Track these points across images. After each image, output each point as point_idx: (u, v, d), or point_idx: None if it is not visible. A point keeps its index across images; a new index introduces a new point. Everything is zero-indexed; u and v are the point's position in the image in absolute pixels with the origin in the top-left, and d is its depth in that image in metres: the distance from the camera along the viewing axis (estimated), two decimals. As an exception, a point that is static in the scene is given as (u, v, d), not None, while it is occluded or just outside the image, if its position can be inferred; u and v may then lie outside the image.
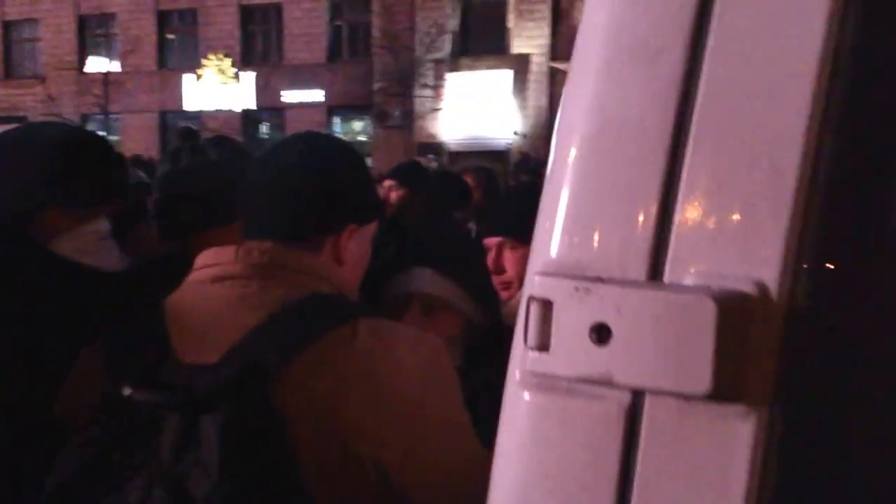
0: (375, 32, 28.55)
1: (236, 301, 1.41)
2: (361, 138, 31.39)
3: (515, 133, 27.96)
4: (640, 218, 0.78)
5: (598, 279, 0.77)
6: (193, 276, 1.50)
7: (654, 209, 0.78)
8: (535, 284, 0.79)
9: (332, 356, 1.33)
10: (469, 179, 5.10)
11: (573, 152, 0.84)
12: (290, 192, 1.50)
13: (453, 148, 28.67)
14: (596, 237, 0.81)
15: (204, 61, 30.49)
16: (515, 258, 2.34)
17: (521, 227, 2.22)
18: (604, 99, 0.81)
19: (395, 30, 27.74)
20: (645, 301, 0.73)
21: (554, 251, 0.84)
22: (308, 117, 30.37)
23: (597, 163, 0.82)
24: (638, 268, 0.77)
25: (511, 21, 28.04)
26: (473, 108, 27.89)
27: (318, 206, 1.51)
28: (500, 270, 2.38)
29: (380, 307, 1.89)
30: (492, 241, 2.42)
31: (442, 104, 28.36)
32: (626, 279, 0.77)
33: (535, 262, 0.86)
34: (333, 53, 30.52)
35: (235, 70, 30.29)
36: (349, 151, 1.65)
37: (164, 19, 32.25)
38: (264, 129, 32.19)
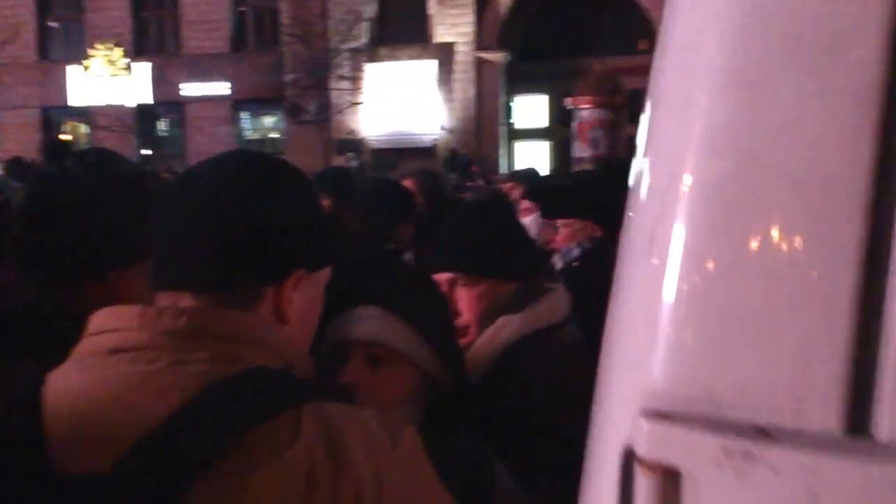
0: (284, 19, 27.98)
1: (140, 382, 1.14)
2: (273, 135, 30.85)
3: (442, 128, 27.83)
4: (830, 332, 0.52)
5: (763, 433, 0.51)
6: (83, 347, 1.23)
7: (851, 316, 0.51)
8: (641, 434, 0.52)
9: (264, 457, 1.09)
10: (410, 185, 4.64)
11: (690, 200, 0.57)
12: (217, 229, 1.25)
13: (375, 145, 28.37)
14: (747, 359, 0.54)
15: (91, 51, 29.33)
16: (471, 298, 2.03)
17: (476, 258, 2.03)
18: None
19: (305, 16, 27.22)
20: (856, 477, 0.47)
21: (663, 372, 0.57)
22: (211, 112, 29.66)
23: (743, 232, 0.55)
24: (827, 415, 0.51)
25: (432, 8, 27.92)
26: (396, 102, 27.67)
27: (255, 248, 1.26)
28: (453, 314, 2.10)
29: (324, 378, 1.63)
30: (440, 278, 2.08)
31: (361, 97, 28.01)
32: (812, 432, 0.50)
33: (624, 385, 0.58)
34: (238, 42, 29.85)
35: (127, 61, 29.25)
36: (295, 176, 1.38)
37: (45, 5, 30.94)
38: (162, 125, 31.36)
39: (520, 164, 29.26)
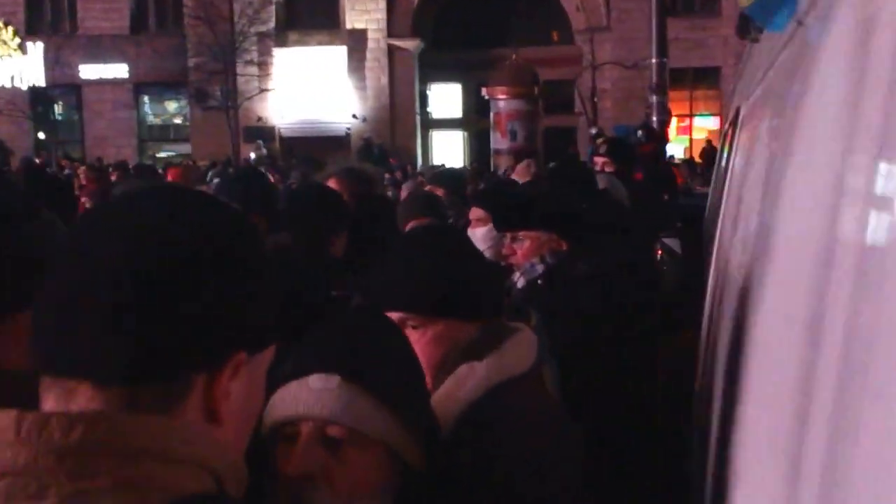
0: (187, 0, 27.00)
1: None
2: (177, 121, 29.90)
3: (355, 116, 27.38)
4: None
5: None
6: None
7: None
8: None
9: None
10: (336, 186, 4.13)
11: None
12: (131, 298, 0.91)
13: (286, 133, 27.78)
14: None
15: (-21, 30, 27.67)
16: (425, 343, 1.71)
17: (430, 295, 1.71)
18: None
19: (210, -2, 26.32)
20: None
21: None
22: (110, 95, 28.63)
23: None
24: None
25: (343, -8, 27.47)
26: (306, 89, 27.13)
27: (182, 325, 0.93)
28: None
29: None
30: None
31: (270, 83, 27.31)
32: None
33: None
34: (138, 23, 28.80)
35: (19, 40, 27.71)
36: (237, 225, 1.03)
37: (-75, -21, 29.00)
38: (58, 109, 30.08)
39: (437, 154, 29.19)
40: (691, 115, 26.62)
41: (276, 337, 1.07)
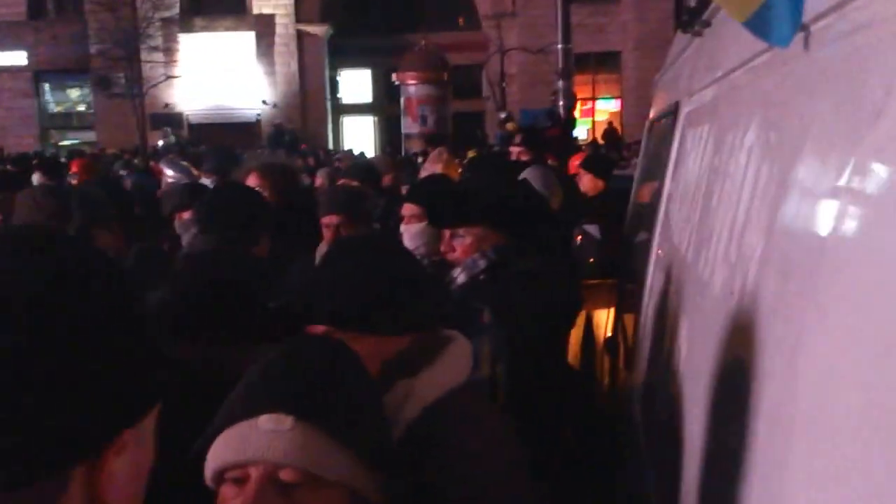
0: (88, -17, 26.19)
1: None
2: (80, 108, 29.00)
3: (265, 102, 27.16)
4: None
5: None
6: None
7: None
8: None
9: None
10: (256, 181, 3.88)
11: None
12: None
13: (194, 120, 27.37)
14: None
15: None
16: None
17: (359, 309, 1.61)
18: None
19: (111, -19, 25.57)
20: None
21: None
22: (9, 83, 27.59)
23: None
24: None
25: (249, -23, 27.14)
26: (214, 75, 26.75)
27: (55, 415, 0.76)
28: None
29: None
30: (314, 330, 1.67)
31: (177, 70, 26.79)
32: None
33: None
34: (36, 9, 27.89)
35: None
36: (106, 281, 0.84)
37: None
38: (-48, 98, 28.64)
39: (348, 139, 29.18)
40: (594, 99, 27.50)
41: (160, 395, 0.89)
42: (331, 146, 26.62)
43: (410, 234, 3.28)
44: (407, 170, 8.14)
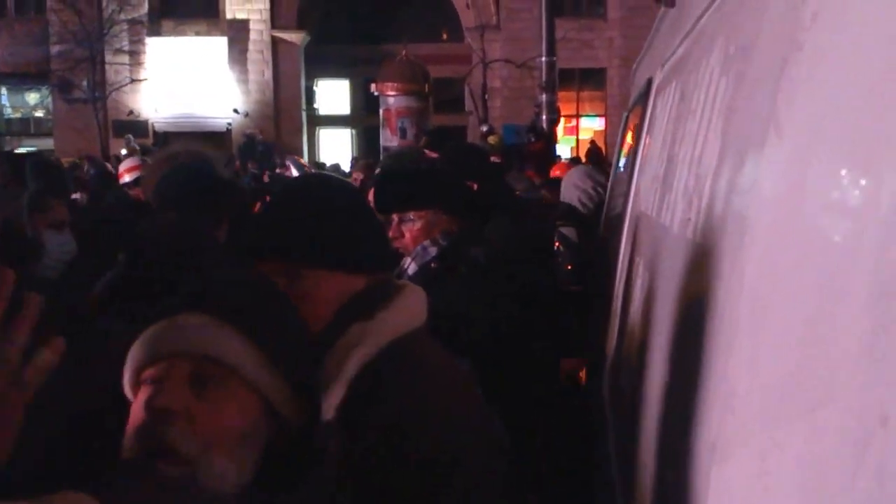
0: (50, -18, 26.14)
1: None
2: (38, 114, 28.83)
3: (236, 111, 27.09)
4: None
5: None
6: None
7: None
8: None
9: None
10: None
11: None
12: None
13: (160, 127, 27.24)
14: None
15: None
16: (309, 298, 1.62)
17: (316, 241, 1.64)
18: None
19: (75, -20, 25.53)
20: None
21: None
22: (-37, 87, 27.26)
23: None
24: None
25: (222, -20, 27.18)
26: (183, 81, 26.65)
27: None
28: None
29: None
30: (266, 266, 1.69)
31: (143, 74, 26.66)
32: None
33: None
34: (-5, 8, 27.54)
35: None
36: None
37: None
38: None
39: (324, 151, 29.15)
40: (578, 116, 27.68)
41: None
42: (306, 158, 26.54)
43: None
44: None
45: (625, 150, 3.65)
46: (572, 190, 5.12)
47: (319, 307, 1.59)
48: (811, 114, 0.77)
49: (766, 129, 0.88)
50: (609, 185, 4.05)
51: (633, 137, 3.33)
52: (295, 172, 5.63)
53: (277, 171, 13.44)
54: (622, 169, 3.65)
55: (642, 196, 1.94)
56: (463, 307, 2.39)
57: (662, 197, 1.47)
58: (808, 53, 0.79)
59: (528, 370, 2.72)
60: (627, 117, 3.64)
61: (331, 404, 1.50)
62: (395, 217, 2.64)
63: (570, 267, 4.43)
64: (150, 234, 2.28)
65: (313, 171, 6.04)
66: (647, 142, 2.19)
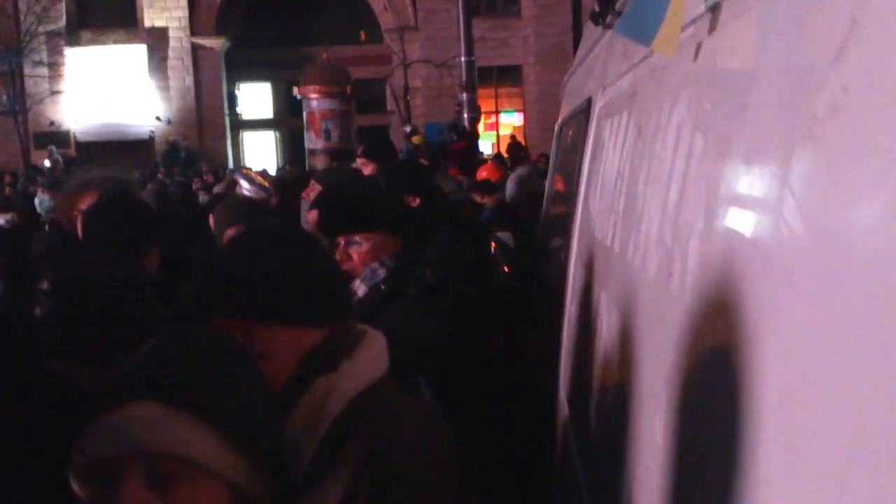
0: (-35, -4, 25.38)
1: None
2: (-44, 128, 27.91)
3: (158, 119, 26.80)
4: None
5: None
6: None
7: None
8: None
9: None
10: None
11: None
12: None
13: (83, 137, 26.79)
14: None
15: None
16: (267, 357, 1.52)
17: (273, 296, 1.55)
18: None
19: (-10, -6, 24.88)
20: None
21: None
22: None
23: None
24: None
25: (139, -11, 26.79)
26: (103, 90, 26.30)
27: None
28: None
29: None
30: (220, 324, 1.57)
31: (63, 85, 26.18)
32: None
33: None
34: None
35: None
36: None
37: None
38: None
39: (248, 155, 28.98)
40: (497, 112, 28.17)
41: None
42: (231, 163, 26.42)
43: None
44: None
45: (558, 161, 3.86)
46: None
47: (278, 363, 1.51)
48: (824, 178, 0.72)
49: (763, 186, 0.86)
50: (546, 192, 4.29)
51: (565, 151, 3.43)
52: (246, 186, 5.63)
53: (215, 184, 13.37)
54: (555, 176, 3.81)
55: (595, 222, 1.98)
56: (415, 327, 2.39)
57: (626, 234, 1.50)
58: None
59: (479, 379, 2.77)
60: (562, 129, 3.68)
61: (300, 462, 1.45)
62: (341, 240, 2.59)
63: (506, 269, 4.57)
64: (81, 270, 2.18)
65: (263, 183, 5.89)
66: (591, 166, 2.24)
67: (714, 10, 1.13)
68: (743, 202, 0.93)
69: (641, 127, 1.53)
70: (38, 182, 9.77)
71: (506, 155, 23.28)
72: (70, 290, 2.06)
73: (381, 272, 2.57)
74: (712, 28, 1.13)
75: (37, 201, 7.10)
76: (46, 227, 6.28)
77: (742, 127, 0.95)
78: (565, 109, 3.77)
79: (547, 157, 19.50)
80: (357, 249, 2.58)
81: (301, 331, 1.54)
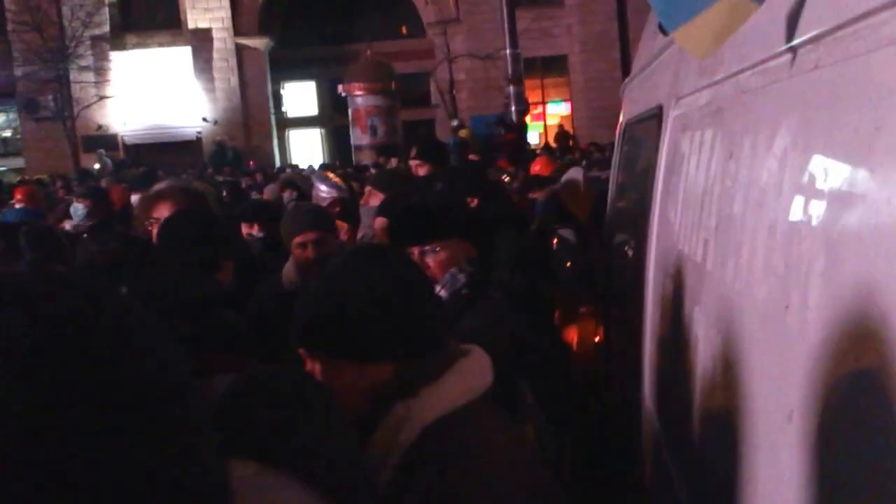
0: (10, 4, 25.74)
1: None
2: (6, 134, 28.49)
3: (205, 119, 26.91)
4: None
5: None
6: None
7: None
8: None
9: None
10: (171, 210, 3.38)
11: None
12: None
13: (131, 140, 27.00)
14: None
15: None
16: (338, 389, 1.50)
17: (333, 334, 1.56)
18: None
19: (36, 1, 25.08)
20: None
21: None
22: (-71, 112, 26.81)
23: None
24: None
25: (182, -9, 26.92)
26: (150, 93, 26.49)
27: None
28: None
29: None
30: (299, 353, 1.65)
31: (109, 90, 26.40)
32: None
33: None
34: (-44, 31, 27.08)
35: None
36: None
37: None
38: None
39: (295, 153, 29.02)
40: (544, 103, 27.76)
41: None
42: (277, 161, 26.45)
43: None
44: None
45: (623, 162, 3.69)
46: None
47: (356, 397, 1.51)
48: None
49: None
50: (610, 191, 4.09)
51: (632, 153, 3.37)
52: (324, 189, 5.40)
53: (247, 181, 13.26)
54: (622, 178, 3.67)
55: (678, 235, 1.92)
56: (508, 331, 2.40)
57: (722, 255, 1.47)
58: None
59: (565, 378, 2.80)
60: (625, 130, 3.66)
61: (376, 489, 1.41)
62: (415, 249, 2.61)
63: (569, 265, 4.50)
64: (156, 288, 2.18)
65: (341, 185, 5.64)
66: (668, 177, 2.22)
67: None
68: (869, 237, 0.86)
69: (733, 150, 1.46)
70: (75, 192, 9.49)
71: (554, 145, 23.00)
72: (148, 305, 1.94)
73: (462, 277, 2.59)
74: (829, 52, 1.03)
75: (72, 210, 6.92)
76: (85, 235, 6.10)
77: (868, 156, 0.88)
78: (631, 111, 3.66)
79: (598, 145, 19.15)
80: (434, 257, 2.61)
81: (380, 366, 1.54)
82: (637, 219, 2.74)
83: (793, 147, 1.15)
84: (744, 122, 1.45)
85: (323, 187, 5.41)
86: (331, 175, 5.95)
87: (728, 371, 1.40)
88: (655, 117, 2.54)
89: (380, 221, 3.37)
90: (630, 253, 3.02)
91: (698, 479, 1.64)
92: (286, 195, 6.83)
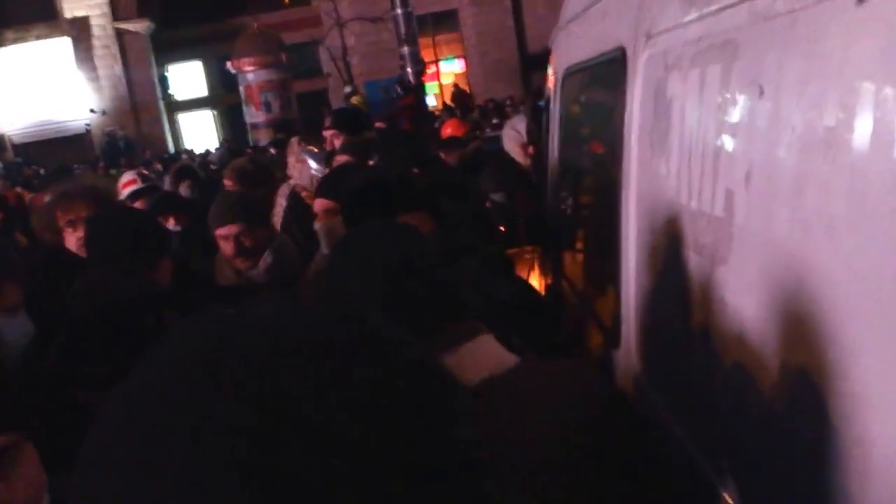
0: None
1: None
2: None
3: (92, 111, 25.72)
4: None
5: None
6: None
7: None
8: None
9: None
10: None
11: None
12: None
13: (17, 139, 25.67)
14: None
15: None
16: None
17: None
18: None
19: None
20: None
21: None
22: None
23: None
24: None
25: (55, -19, 25.54)
26: (34, 89, 25.16)
27: None
28: None
29: None
30: None
31: (-11, 89, 24.98)
32: None
33: None
34: None
35: None
36: None
37: None
38: None
39: (187, 137, 28.04)
40: (437, 61, 27.46)
41: None
42: (171, 147, 25.54)
43: (328, 230, 2.99)
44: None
45: (566, 114, 3.55)
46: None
47: None
48: None
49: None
50: (550, 148, 3.96)
51: (579, 104, 3.25)
52: (315, 166, 4.94)
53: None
54: (568, 131, 3.54)
55: (677, 185, 1.85)
56: (487, 289, 2.32)
57: (758, 206, 1.32)
58: None
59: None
60: (565, 79, 3.51)
61: None
62: None
63: (503, 229, 4.39)
64: (91, 296, 2.12)
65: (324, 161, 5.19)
66: (649, 124, 2.10)
67: None
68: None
69: (764, 86, 1.29)
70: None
71: (452, 104, 22.78)
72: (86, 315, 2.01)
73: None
74: None
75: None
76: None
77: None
78: (570, 58, 3.46)
79: (495, 101, 19.00)
80: None
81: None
82: (599, 174, 2.63)
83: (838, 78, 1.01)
84: (775, 53, 1.33)
85: (314, 164, 4.94)
86: (314, 149, 5.40)
87: (730, 313, 1.35)
88: (616, 61, 2.41)
89: (322, 203, 3.09)
90: (590, 204, 2.87)
91: (693, 413, 1.62)
92: (183, 188, 6.01)
